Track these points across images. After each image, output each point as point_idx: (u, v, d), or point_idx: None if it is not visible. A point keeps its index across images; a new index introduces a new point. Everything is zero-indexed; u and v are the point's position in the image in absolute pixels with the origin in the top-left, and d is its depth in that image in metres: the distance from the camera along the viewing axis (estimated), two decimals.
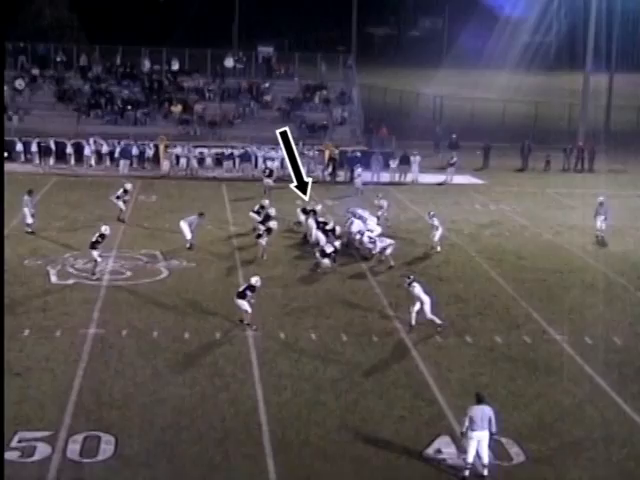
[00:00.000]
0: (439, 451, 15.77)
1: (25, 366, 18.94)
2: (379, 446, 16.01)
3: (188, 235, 29.47)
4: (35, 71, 53.06)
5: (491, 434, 15.17)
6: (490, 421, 15.12)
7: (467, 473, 15.09)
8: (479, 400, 15.40)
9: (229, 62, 55.75)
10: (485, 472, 15.07)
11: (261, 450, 15.72)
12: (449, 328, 22.32)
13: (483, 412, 15.14)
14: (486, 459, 15.10)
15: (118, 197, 33.49)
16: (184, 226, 29.55)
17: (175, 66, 54.91)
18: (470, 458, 15.09)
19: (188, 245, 29.41)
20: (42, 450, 15.35)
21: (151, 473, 14.86)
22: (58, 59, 54.48)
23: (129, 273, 26.56)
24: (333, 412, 17.36)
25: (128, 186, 34.40)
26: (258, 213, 31.42)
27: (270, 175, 40.76)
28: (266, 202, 32.26)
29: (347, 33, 69.18)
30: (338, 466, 15.32)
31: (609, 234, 32.85)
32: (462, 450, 15.45)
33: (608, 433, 16.89)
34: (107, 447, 15.55)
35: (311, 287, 25.78)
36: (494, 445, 15.56)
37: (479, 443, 15.05)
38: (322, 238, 28.94)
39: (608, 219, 32.77)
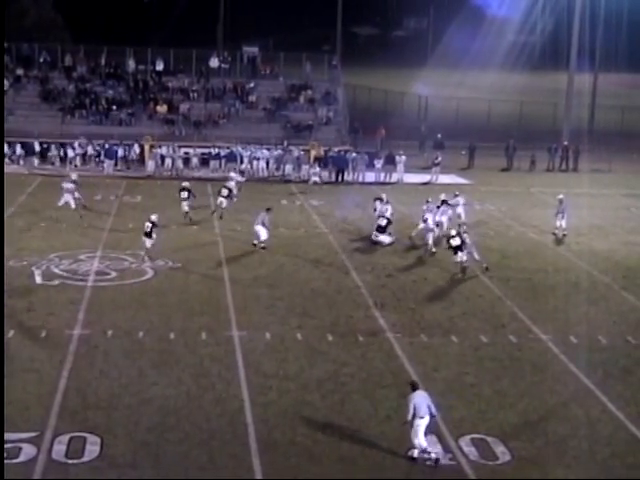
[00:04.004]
0: (425, 451, 15.78)
1: (10, 367, 18.86)
2: (365, 446, 16.00)
3: (264, 236, 29.38)
4: (19, 71, 52.92)
5: (432, 416, 15.53)
6: (429, 405, 15.49)
7: (416, 454, 15.42)
8: (414, 387, 15.83)
9: (214, 62, 55.72)
10: (415, 454, 15.40)
11: (247, 450, 15.70)
12: (435, 328, 22.40)
13: (424, 398, 15.55)
14: (425, 443, 15.41)
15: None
16: (259, 228, 29.43)
17: (160, 66, 54.81)
18: (424, 443, 15.39)
19: (262, 245, 29.36)
20: (27, 451, 15.28)
21: (137, 473, 14.82)
22: (42, 59, 54.31)
23: (114, 273, 26.47)
24: (319, 412, 17.35)
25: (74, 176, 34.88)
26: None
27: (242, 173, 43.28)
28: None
29: (332, 33, 69.25)
30: (324, 466, 15.31)
31: (595, 233, 32.99)
32: (421, 444, 15.51)
33: (593, 432, 16.95)
34: (93, 448, 15.49)
35: (296, 287, 25.77)
36: (480, 444, 15.63)
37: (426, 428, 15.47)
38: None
39: (565, 217, 32.93)
